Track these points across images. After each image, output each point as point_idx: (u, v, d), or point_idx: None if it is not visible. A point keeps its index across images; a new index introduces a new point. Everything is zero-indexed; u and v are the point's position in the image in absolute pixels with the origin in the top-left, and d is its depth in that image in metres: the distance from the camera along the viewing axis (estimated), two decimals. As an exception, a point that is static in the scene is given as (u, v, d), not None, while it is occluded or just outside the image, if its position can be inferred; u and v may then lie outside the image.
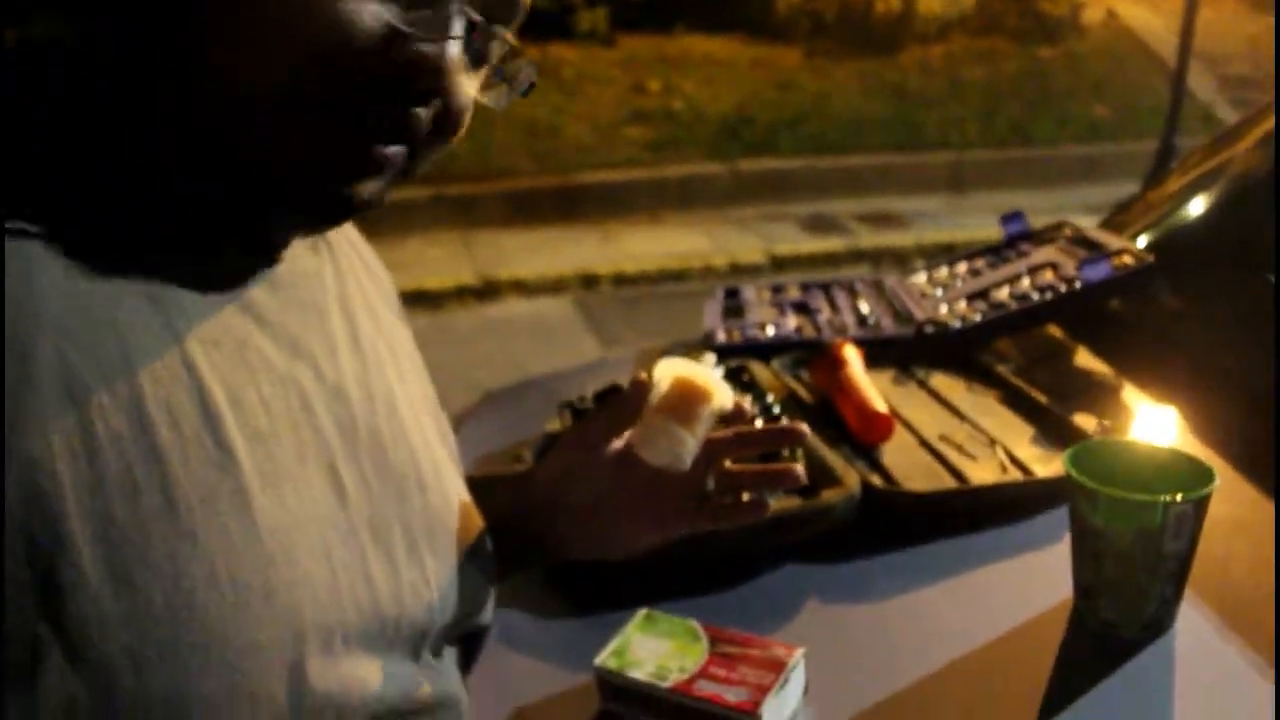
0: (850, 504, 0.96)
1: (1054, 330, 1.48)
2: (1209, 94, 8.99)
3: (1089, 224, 2.01)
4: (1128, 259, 1.43)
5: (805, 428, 0.77)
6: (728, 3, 9.08)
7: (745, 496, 0.77)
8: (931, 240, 6.24)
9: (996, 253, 1.68)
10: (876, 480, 1.01)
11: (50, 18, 0.51)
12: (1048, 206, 6.98)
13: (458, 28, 0.51)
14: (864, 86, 8.43)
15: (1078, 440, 1.08)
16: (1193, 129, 7.50)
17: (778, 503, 0.97)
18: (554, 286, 5.48)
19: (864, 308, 1.52)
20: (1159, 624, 0.81)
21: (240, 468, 0.49)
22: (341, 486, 0.56)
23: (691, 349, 1.48)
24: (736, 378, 1.26)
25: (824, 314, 1.52)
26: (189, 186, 0.51)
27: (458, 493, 0.69)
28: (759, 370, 1.26)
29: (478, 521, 0.70)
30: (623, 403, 0.75)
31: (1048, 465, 1.04)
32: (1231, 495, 1.04)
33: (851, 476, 0.99)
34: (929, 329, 1.39)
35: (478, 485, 0.78)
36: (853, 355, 1.22)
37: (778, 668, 0.75)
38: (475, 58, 0.55)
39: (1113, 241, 1.51)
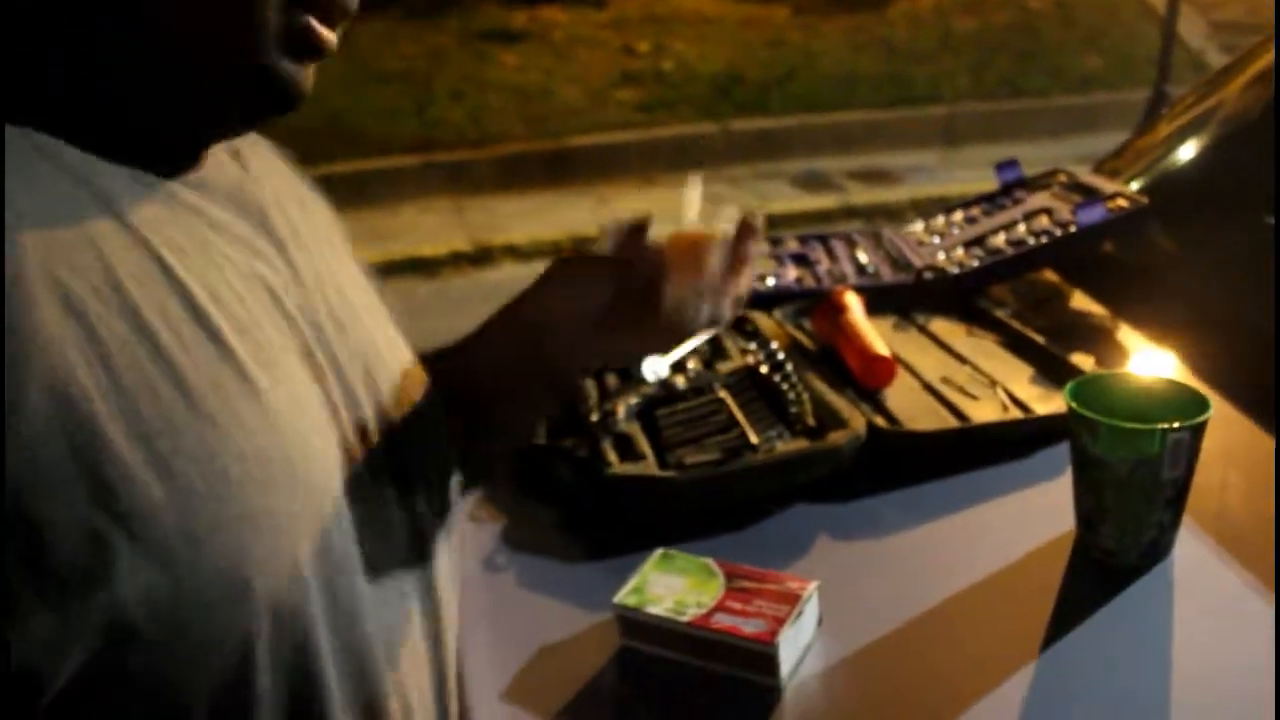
0: (856, 444, 0.99)
1: (1050, 274, 1.50)
2: (1200, 41, 8.95)
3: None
4: (1122, 202, 1.45)
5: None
6: (715, -40, 9.02)
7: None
8: (925, 195, 6.23)
9: (992, 200, 1.69)
10: (881, 421, 1.04)
11: None
12: (1041, 158, 6.89)
13: None
14: (853, 42, 8.39)
15: (1077, 377, 1.11)
16: (1185, 77, 7.47)
17: (786, 445, 0.99)
18: (548, 250, 5.48)
19: (862, 257, 1.54)
20: (1158, 551, 0.84)
21: (237, 355, 0.52)
22: (319, 368, 0.59)
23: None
24: (740, 328, 1.27)
25: (823, 265, 1.53)
26: (129, 75, 0.53)
27: (408, 361, 0.72)
28: (762, 320, 1.28)
29: (426, 386, 0.72)
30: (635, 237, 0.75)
31: (1047, 403, 1.07)
32: (1227, 427, 1.07)
33: (857, 418, 1.02)
34: (928, 275, 1.41)
35: (478, 331, 0.80)
36: (853, 302, 1.24)
37: (792, 600, 0.78)
38: None
39: (1107, 186, 1.53)
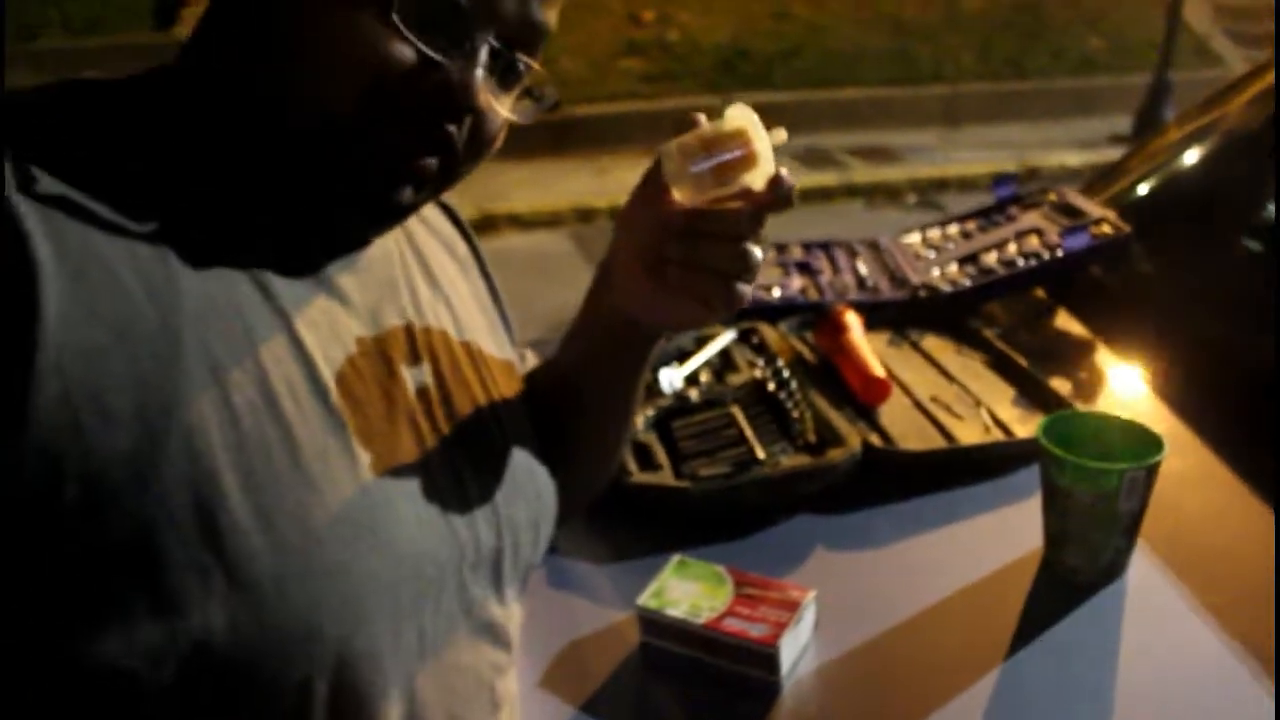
0: (853, 461, 1.10)
1: (1039, 292, 1.61)
2: (1205, 25, 8.99)
3: (1077, 160, 2.12)
4: (1106, 228, 1.55)
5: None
6: (723, -71, 9.01)
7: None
8: (925, 175, 6.32)
9: (987, 215, 1.79)
10: (876, 439, 1.15)
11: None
12: (1041, 140, 7.06)
13: (483, 56, 0.62)
14: (859, 18, 8.42)
15: (1054, 402, 1.22)
16: (1188, 62, 7.55)
17: (790, 460, 1.10)
18: (550, 220, 5.57)
19: (863, 269, 1.64)
20: (1114, 570, 0.96)
21: (346, 429, 0.61)
22: (421, 437, 0.67)
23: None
24: (747, 340, 1.38)
25: (826, 275, 1.64)
26: (277, 190, 0.63)
27: (518, 428, 0.77)
28: (768, 332, 1.39)
29: (534, 455, 0.78)
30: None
31: (1026, 425, 1.18)
32: (1185, 451, 1.19)
33: (854, 436, 1.13)
34: (922, 293, 1.51)
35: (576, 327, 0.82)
36: (853, 320, 1.34)
37: (793, 607, 0.89)
38: (503, 80, 0.66)
39: (1093, 210, 1.63)
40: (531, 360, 0.91)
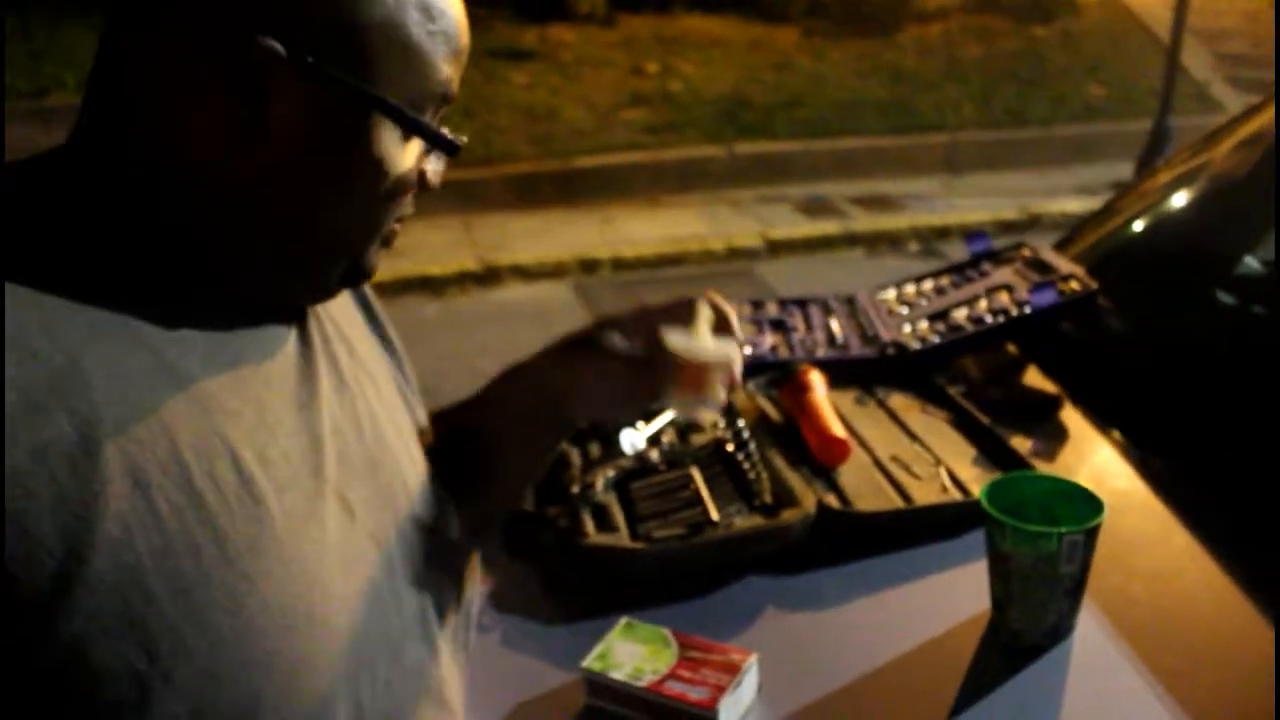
0: (806, 523, 1.11)
1: (1010, 347, 1.62)
2: (1205, 72, 9.06)
3: (1079, 207, 2.14)
4: (1074, 285, 1.57)
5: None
6: (726, -18, 9.17)
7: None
8: (925, 223, 6.36)
9: (961, 271, 1.81)
10: (832, 499, 1.16)
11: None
12: (1042, 188, 7.10)
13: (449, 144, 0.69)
14: (860, 68, 8.52)
15: (1013, 462, 1.23)
16: (1188, 108, 7.60)
17: (744, 521, 1.11)
18: (554, 271, 5.61)
19: (835, 326, 1.66)
20: (1058, 633, 0.96)
21: (273, 516, 0.62)
22: (350, 508, 0.69)
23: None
24: (714, 399, 1.40)
25: (799, 332, 1.66)
26: (215, 281, 0.65)
27: (437, 490, 0.81)
28: (735, 392, 1.40)
29: (449, 509, 0.81)
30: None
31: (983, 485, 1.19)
32: (1143, 511, 1.20)
33: (809, 497, 1.14)
34: (890, 351, 1.53)
35: (491, 386, 0.90)
36: (816, 380, 1.36)
37: (733, 670, 0.90)
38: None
39: (1063, 266, 1.65)
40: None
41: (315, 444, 0.68)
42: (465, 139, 0.71)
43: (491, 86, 7.55)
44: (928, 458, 1.26)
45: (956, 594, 1.04)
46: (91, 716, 0.54)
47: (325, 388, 0.71)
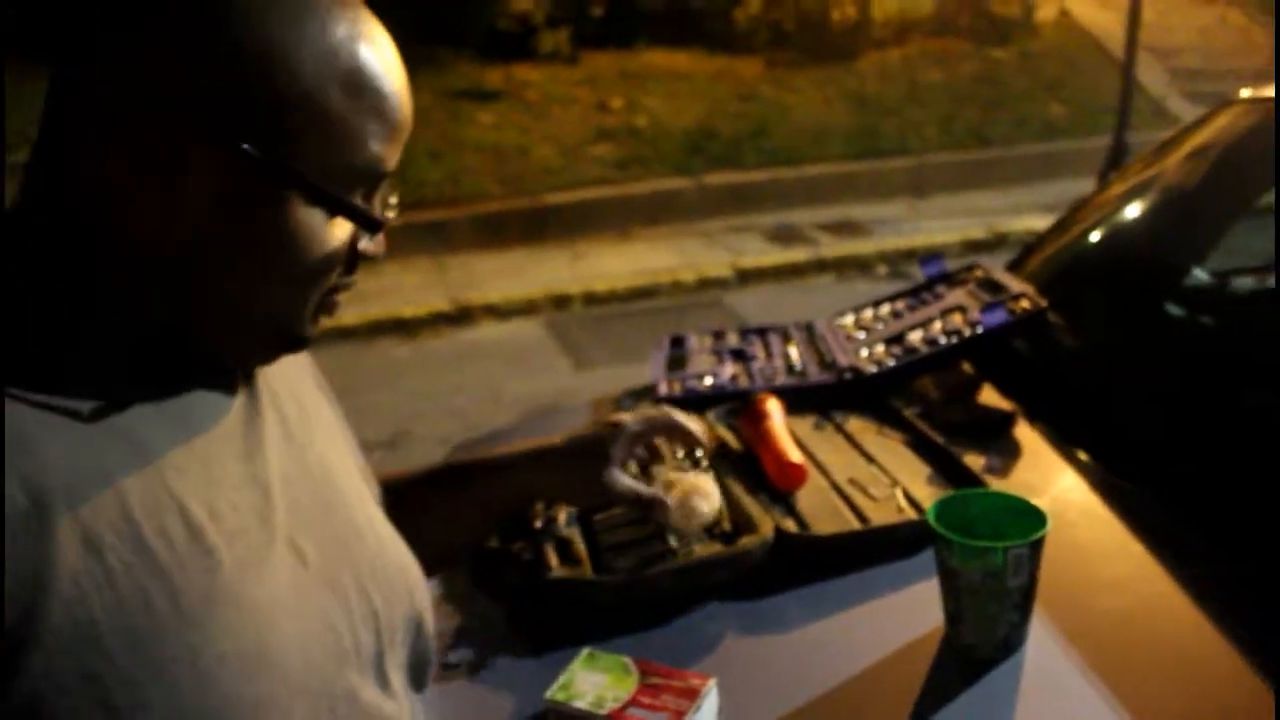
0: (765, 548, 1.13)
1: (966, 366, 1.65)
2: (1161, 87, 9.23)
3: (1044, 224, 2.18)
4: (1024, 303, 1.60)
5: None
6: (687, 16, 9.27)
7: None
8: (893, 247, 6.44)
9: (917, 294, 1.85)
10: (789, 524, 1.18)
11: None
12: (1007, 206, 7.19)
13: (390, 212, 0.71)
14: (824, 95, 8.62)
15: (966, 479, 1.26)
16: (1146, 123, 7.73)
17: (703, 549, 1.14)
18: (526, 308, 5.64)
19: (794, 354, 1.69)
20: (1010, 645, 0.98)
21: (224, 566, 0.64)
22: (302, 555, 0.71)
23: (639, 398, 1.66)
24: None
25: (759, 361, 1.68)
26: (174, 343, 0.68)
27: (385, 531, 0.83)
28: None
29: (404, 551, 0.84)
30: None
31: (938, 503, 1.21)
32: (1094, 522, 1.22)
33: (767, 523, 1.16)
34: (847, 376, 1.56)
35: (458, 471, 1.00)
36: (774, 408, 1.38)
37: (693, 695, 0.92)
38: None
39: (1014, 285, 1.68)
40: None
41: (264, 494, 0.70)
42: (393, 213, 0.73)
43: (458, 127, 7.60)
44: (884, 479, 1.29)
45: (912, 611, 1.07)
46: None
47: (273, 439, 0.73)
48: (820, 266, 6.27)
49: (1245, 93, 1.92)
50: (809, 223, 6.89)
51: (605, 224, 6.79)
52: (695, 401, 1.53)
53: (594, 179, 7.18)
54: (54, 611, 0.56)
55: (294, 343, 0.72)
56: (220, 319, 0.68)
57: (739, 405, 1.45)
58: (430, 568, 0.88)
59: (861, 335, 1.73)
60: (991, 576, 0.95)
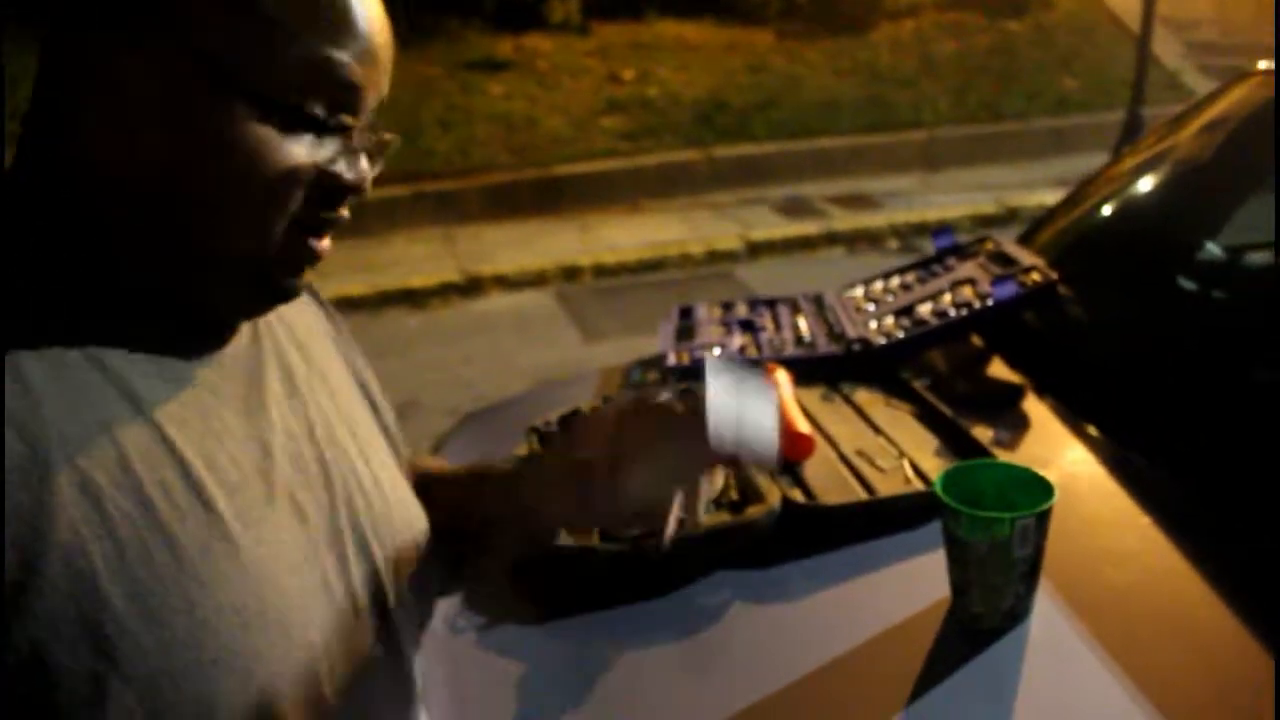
0: (772, 518, 1.14)
1: (975, 340, 1.65)
2: (1176, 61, 9.14)
3: (1056, 199, 2.17)
4: (1035, 276, 1.60)
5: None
6: (699, -14, 9.20)
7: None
8: (904, 220, 6.40)
9: (927, 267, 1.84)
10: (797, 494, 1.19)
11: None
12: (1019, 181, 7.15)
13: (360, 141, 0.67)
14: (835, 67, 8.56)
15: (975, 451, 1.26)
16: (1161, 97, 7.66)
17: (710, 518, 1.14)
18: (535, 280, 5.63)
19: (803, 325, 1.69)
20: (1016, 615, 0.99)
21: (223, 519, 0.64)
22: (302, 511, 0.71)
23: (648, 367, 1.66)
24: (683, 400, 1.42)
25: (767, 332, 1.68)
26: (161, 288, 0.66)
27: (394, 490, 0.82)
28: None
29: (412, 507, 0.84)
30: (584, 429, 0.83)
31: (946, 475, 1.21)
32: (1102, 495, 1.22)
33: (774, 493, 1.16)
34: (856, 347, 1.56)
35: (468, 480, 0.94)
36: (783, 378, 1.38)
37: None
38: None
39: (1025, 258, 1.68)
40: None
41: (264, 449, 0.70)
42: (373, 140, 0.69)
43: (468, 97, 7.57)
44: (891, 450, 1.29)
45: (919, 581, 1.07)
46: (48, 716, 0.57)
47: (275, 394, 0.73)
48: (830, 239, 6.23)
49: (1262, 65, 1.90)
50: (819, 195, 6.85)
51: (615, 195, 6.76)
52: (703, 373, 1.53)
53: (604, 150, 7.14)
54: (53, 560, 0.56)
55: (270, 282, 0.68)
56: (190, 252, 0.65)
57: (747, 376, 1.45)
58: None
59: (871, 307, 1.72)
60: (998, 547, 0.95)
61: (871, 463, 1.26)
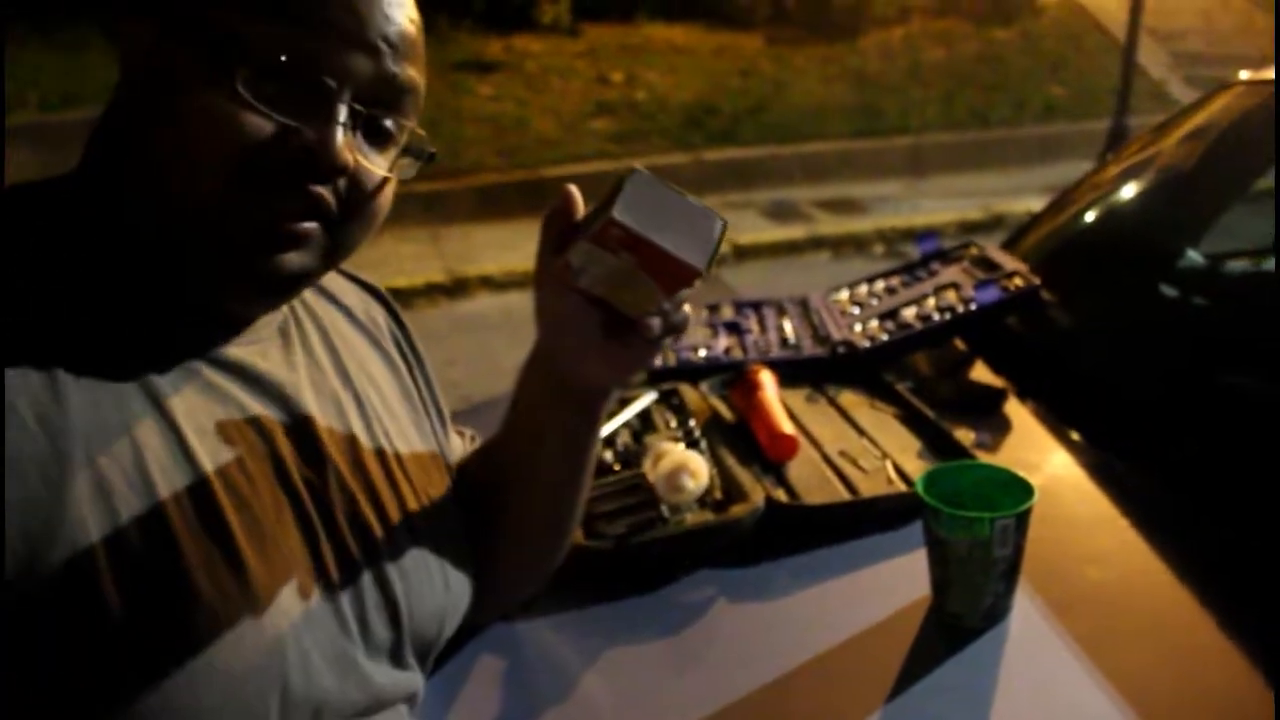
0: (755, 516, 1.14)
1: (959, 343, 1.66)
2: (1161, 71, 9.20)
3: (1040, 205, 2.19)
4: (1018, 281, 1.62)
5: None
6: (689, -10, 9.23)
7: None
8: (890, 225, 6.42)
9: (911, 271, 1.86)
10: (781, 494, 1.19)
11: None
12: (1006, 188, 7.19)
13: (341, 116, 0.65)
14: (824, 72, 8.59)
15: (957, 452, 1.27)
16: (1146, 107, 7.71)
17: (694, 517, 1.15)
18: (522, 281, 5.62)
19: (788, 328, 1.70)
20: (995, 614, 1.00)
21: (234, 537, 0.64)
22: (313, 535, 0.70)
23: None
24: (668, 400, 1.43)
25: (753, 334, 1.69)
26: (161, 290, 0.66)
27: (437, 522, 0.80)
28: (688, 393, 1.44)
29: (444, 549, 0.81)
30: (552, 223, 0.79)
31: (928, 476, 1.22)
32: (1082, 498, 1.24)
33: (758, 492, 1.17)
34: (841, 350, 1.57)
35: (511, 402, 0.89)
36: (767, 379, 1.39)
37: None
38: (374, 140, 0.69)
39: (1008, 263, 1.69)
40: (468, 444, 0.99)
41: (278, 463, 0.70)
42: (389, 123, 0.68)
43: (457, 98, 7.57)
44: (874, 451, 1.30)
45: (900, 580, 1.08)
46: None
47: (301, 405, 0.73)
48: (817, 244, 6.25)
49: (1244, 75, 1.92)
50: (807, 200, 6.87)
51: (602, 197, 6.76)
52: (689, 373, 1.54)
53: (593, 152, 7.15)
54: (60, 553, 0.57)
55: (266, 277, 0.66)
56: (183, 227, 0.64)
57: (733, 377, 1.46)
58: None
59: (856, 310, 1.73)
60: (978, 546, 0.96)
61: (854, 463, 1.27)
